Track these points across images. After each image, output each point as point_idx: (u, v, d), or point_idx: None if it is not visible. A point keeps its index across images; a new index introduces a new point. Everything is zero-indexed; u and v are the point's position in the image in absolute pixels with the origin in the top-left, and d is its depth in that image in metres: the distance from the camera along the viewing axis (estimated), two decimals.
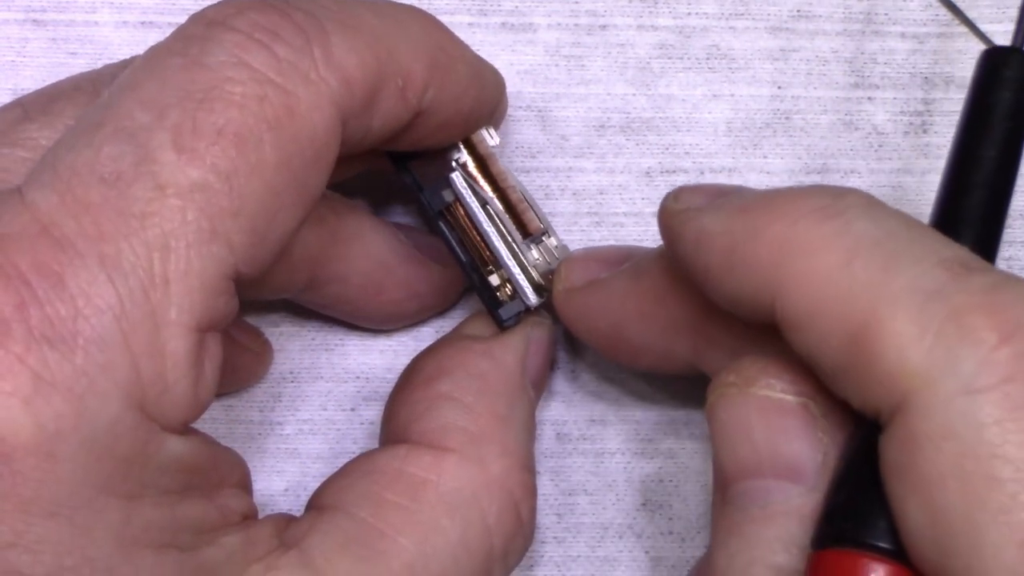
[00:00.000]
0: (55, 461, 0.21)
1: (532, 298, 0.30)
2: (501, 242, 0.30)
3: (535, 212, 0.31)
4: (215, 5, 0.25)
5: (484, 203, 0.30)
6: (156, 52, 0.24)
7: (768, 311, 0.24)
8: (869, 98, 0.35)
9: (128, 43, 0.34)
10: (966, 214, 0.26)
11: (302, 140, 0.24)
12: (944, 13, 0.35)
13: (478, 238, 0.30)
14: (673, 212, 0.26)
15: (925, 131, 0.34)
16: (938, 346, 0.21)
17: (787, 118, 0.34)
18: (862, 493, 0.23)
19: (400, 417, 0.29)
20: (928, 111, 0.35)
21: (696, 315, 0.28)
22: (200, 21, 0.25)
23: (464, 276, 0.31)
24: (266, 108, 0.23)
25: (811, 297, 0.23)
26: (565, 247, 0.32)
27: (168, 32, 0.24)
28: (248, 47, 0.24)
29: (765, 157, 0.34)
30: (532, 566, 0.33)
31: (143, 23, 0.34)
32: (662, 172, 0.34)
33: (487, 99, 0.30)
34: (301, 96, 0.24)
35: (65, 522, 0.22)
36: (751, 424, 0.25)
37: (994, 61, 0.27)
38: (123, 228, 0.22)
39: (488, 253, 0.30)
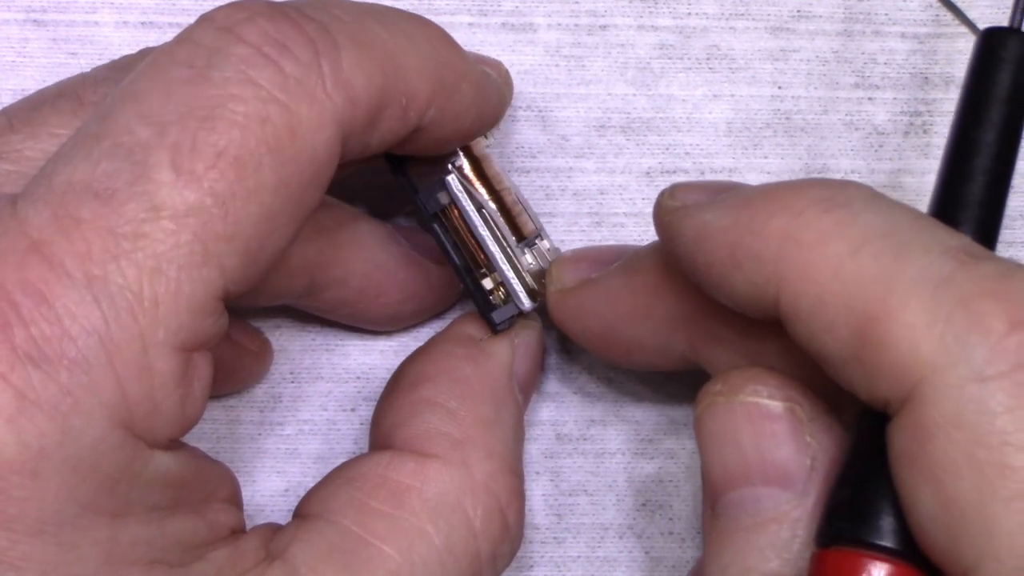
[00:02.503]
0: (39, 479, 0.21)
1: (526, 302, 0.30)
2: (496, 246, 0.30)
3: (529, 215, 0.31)
4: (225, 8, 0.24)
5: (479, 206, 0.30)
6: (161, 59, 0.24)
7: (771, 305, 0.24)
8: (869, 98, 0.35)
9: (128, 43, 0.34)
10: (965, 200, 0.25)
11: (301, 161, 0.24)
12: (944, 13, 0.35)
13: (472, 241, 0.30)
14: (670, 209, 0.26)
15: (925, 131, 0.34)
16: (948, 334, 0.21)
17: (787, 118, 0.34)
18: (864, 492, 0.23)
19: (384, 423, 0.29)
20: (928, 111, 0.34)
21: (693, 309, 0.28)
22: (208, 26, 0.24)
23: (458, 279, 0.31)
24: (268, 130, 0.23)
25: (818, 287, 0.23)
26: (557, 250, 0.32)
27: (168, 34, 0.23)
28: (255, 62, 0.23)
29: (765, 157, 0.34)
30: (532, 566, 0.33)
31: (143, 23, 0.34)
32: (662, 172, 0.34)
33: (488, 116, 0.29)
34: (304, 115, 0.24)
35: (50, 539, 0.22)
36: (739, 431, 0.25)
37: (992, 42, 0.27)
38: (113, 248, 0.22)
39: (482, 256, 0.30)
